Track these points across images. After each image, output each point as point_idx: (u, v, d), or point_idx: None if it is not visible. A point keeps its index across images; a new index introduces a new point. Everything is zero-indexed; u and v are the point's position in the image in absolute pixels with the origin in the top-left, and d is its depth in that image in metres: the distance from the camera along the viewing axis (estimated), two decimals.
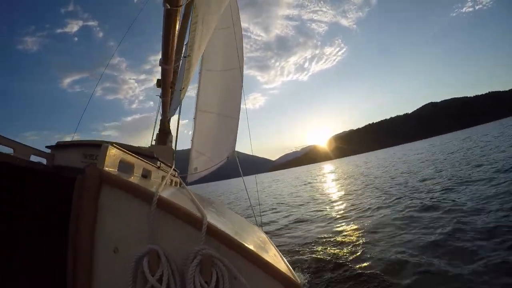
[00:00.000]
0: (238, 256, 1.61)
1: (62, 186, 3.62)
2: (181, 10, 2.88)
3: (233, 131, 9.59)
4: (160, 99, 5.60)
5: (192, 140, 9.59)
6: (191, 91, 10.48)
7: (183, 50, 5.25)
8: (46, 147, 3.97)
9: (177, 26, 2.93)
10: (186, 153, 9.75)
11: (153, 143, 7.31)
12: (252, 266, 1.62)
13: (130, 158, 2.04)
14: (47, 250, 3.42)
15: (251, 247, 1.69)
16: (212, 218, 1.69)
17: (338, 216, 11.48)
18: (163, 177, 3.51)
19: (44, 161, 3.74)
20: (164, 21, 2.85)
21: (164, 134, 7.13)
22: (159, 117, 7.49)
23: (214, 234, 1.60)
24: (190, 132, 9.53)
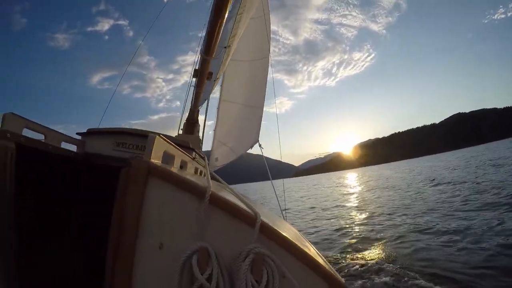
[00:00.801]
0: (287, 254, 1.56)
1: (103, 176, 3.74)
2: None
3: (257, 122, 9.51)
4: (194, 89, 5.62)
5: (214, 130, 9.58)
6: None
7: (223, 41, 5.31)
8: (77, 133, 3.96)
9: (225, 17, 2.93)
10: (208, 153, 9.71)
11: (180, 132, 7.37)
12: (300, 264, 1.58)
13: (172, 149, 2.04)
14: (87, 243, 3.50)
15: (297, 244, 1.63)
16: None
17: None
18: (196, 168, 3.55)
19: (74, 148, 3.74)
20: (213, 11, 2.84)
21: (191, 123, 7.17)
22: (187, 109, 7.57)
23: (266, 231, 1.54)
24: (210, 132, 9.52)
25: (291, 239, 1.61)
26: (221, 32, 3.20)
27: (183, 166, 2.73)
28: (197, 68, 4.77)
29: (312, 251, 2.03)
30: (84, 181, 3.64)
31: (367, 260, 7.39)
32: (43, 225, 3.02)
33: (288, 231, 2.24)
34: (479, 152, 63.09)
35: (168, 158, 2.02)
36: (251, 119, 9.84)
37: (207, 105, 8.43)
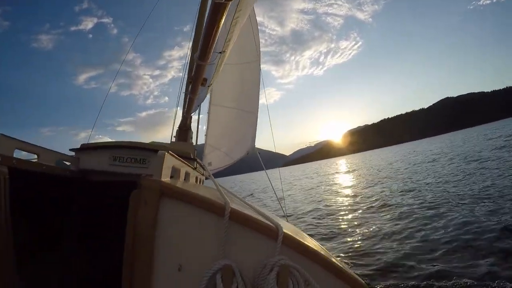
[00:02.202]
0: (308, 261, 1.55)
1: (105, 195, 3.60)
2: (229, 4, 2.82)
3: (252, 126, 9.38)
4: (188, 96, 5.51)
5: (205, 135, 9.52)
6: None
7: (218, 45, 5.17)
8: (70, 149, 3.85)
9: (222, 21, 2.86)
10: (201, 147, 9.68)
11: (173, 139, 7.28)
12: (323, 271, 1.57)
13: (178, 163, 2.02)
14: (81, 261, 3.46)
15: (318, 250, 1.63)
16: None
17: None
18: (196, 177, 3.46)
19: (70, 166, 3.66)
20: (209, 15, 2.76)
21: (184, 130, 7.07)
22: (177, 114, 7.46)
23: (288, 242, 1.52)
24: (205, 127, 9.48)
25: (311, 246, 1.62)
26: (217, 37, 3.14)
27: (186, 177, 2.69)
28: (187, 73, 4.61)
29: (328, 255, 2.00)
30: (80, 199, 3.60)
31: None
32: (38, 245, 3.00)
33: (302, 236, 2.20)
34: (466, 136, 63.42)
35: (174, 171, 1.99)
36: (245, 124, 9.79)
37: (199, 112, 8.29)
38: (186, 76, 7.21)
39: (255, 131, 9.36)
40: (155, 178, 1.51)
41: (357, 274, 1.84)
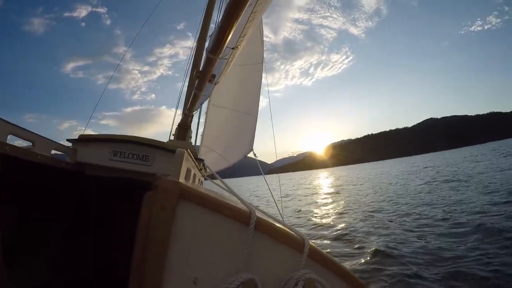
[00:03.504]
0: (333, 275, 1.47)
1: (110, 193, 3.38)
2: None
3: (251, 129, 9.30)
4: (193, 92, 5.32)
5: (202, 136, 9.34)
6: None
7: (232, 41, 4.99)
8: (68, 140, 3.64)
9: (242, 13, 2.70)
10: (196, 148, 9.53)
11: (172, 137, 7.07)
12: (346, 284, 1.49)
13: (192, 164, 1.93)
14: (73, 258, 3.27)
15: (337, 261, 1.55)
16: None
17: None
18: (199, 180, 3.32)
19: (64, 157, 3.50)
20: (230, 6, 2.61)
21: (184, 129, 6.86)
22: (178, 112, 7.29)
23: (313, 254, 1.43)
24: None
25: (334, 259, 1.56)
26: (233, 31, 2.98)
27: (193, 178, 2.55)
28: (198, 69, 4.44)
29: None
30: (75, 193, 3.43)
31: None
32: (30, 237, 2.85)
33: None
34: (446, 158, 65.03)
35: (186, 172, 1.88)
36: (243, 126, 9.62)
37: (200, 111, 8.08)
38: (189, 72, 7.02)
39: (254, 134, 9.22)
40: (173, 178, 1.33)
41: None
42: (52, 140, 3.12)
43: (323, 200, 21.86)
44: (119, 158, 3.60)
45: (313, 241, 8.31)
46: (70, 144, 3.61)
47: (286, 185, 50.44)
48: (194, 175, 2.55)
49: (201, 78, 4.12)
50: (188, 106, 5.80)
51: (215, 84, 4.82)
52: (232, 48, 3.59)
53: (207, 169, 4.07)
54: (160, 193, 1.24)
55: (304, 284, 1.33)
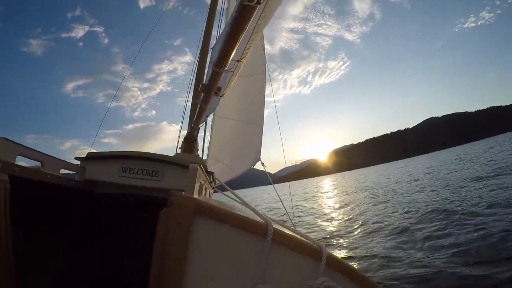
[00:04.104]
0: (351, 283, 1.46)
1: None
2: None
3: (257, 139, 9.26)
4: (199, 106, 5.35)
5: (208, 147, 9.36)
6: None
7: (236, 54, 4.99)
8: (76, 158, 3.64)
9: (248, 26, 2.72)
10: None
11: (178, 151, 7.08)
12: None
13: (204, 178, 1.82)
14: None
15: (356, 269, 1.54)
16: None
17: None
18: (209, 192, 3.33)
19: (74, 175, 3.46)
20: (234, 19, 2.62)
21: (191, 142, 6.88)
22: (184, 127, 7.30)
23: (330, 262, 1.42)
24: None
25: (352, 267, 1.54)
26: (238, 44, 3.01)
27: (205, 192, 2.56)
28: (193, 82, 4.44)
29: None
30: (85, 212, 3.43)
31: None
32: (39, 254, 2.84)
33: None
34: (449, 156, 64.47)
35: (199, 187, 1.86)
36: (249, 136, 9.61)
37: (206, 123, 8.12)
38: (193, 85, 7.08)
39: (261, 143, 9.22)
40: (188, 194, 1.37)
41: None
42: (61, 159, 3.12)
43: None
44: (129, 174, 3.61)
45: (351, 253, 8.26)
46: (78, 162, 3.61)
47: (295, 194, 49.88)
48: (205, 188, 2.58)
49: (206, 92, 4.14)
50: (195, 119, 5.82)
51: (221, 96, 4.84)
52: (237, 61, 3.61)
53: (217, 181, 4.07)
54: (176, 210, 1.26)
55: None
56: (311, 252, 1.40)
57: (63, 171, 3.18)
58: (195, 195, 1.45)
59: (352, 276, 1.46)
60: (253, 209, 1.64)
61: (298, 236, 1.50)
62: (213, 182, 4.10)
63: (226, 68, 3.46)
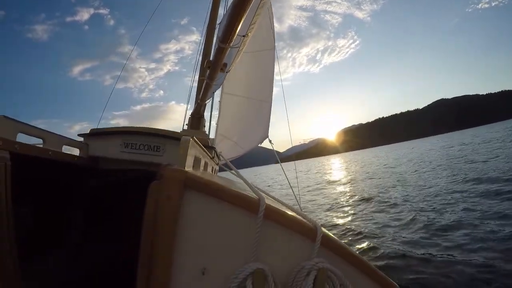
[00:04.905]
0: (345, 262, 1.41)
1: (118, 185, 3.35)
2: None
3: (265, 116, 9.20)
4: (205, 82, 5.29)
5: (216, 124, 9.34)
6: None
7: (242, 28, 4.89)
8: (79, 135, 3.65)
9: (252, 1, 2.63)
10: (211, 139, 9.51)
11: (185, 127, 7.07)
12: (359, 273, 1.43)
13: (200, 152, 1.87)
14: (92, 251, 3.27)
15: (352, 251, 1.48)
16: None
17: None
18: (212, 167, 3.30)
19: (77, 151, 3.48)
20: None
21: (197, 118, 6.86)
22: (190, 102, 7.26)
23: (326, 242, 1.37)
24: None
25: (346, 246, 1.49)
26: (244, 18, 2.93)
27: (204, 168, 2.51)
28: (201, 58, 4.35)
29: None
30: (89, 188, 3.46)
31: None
32: (45, 234, 2.87)
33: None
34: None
35: (195, 160, 1.82)
36: (258, 113, 9.51)
37: (213, 99, 8.08)
38: (199, 61, 7.03)
39: (269, 120, 9.17)
40: (178, 167, 1.29)
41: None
42: (63, 136, 3.11)
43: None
44: (131, 149, 3.61)
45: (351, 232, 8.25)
46: (81, 139, 3.61)
47: (305, 172, 49.41)
48: (206, 163, 2.52)
49: (212, 68, 4.07)
50: (201, 95, 5.77)
51: (227, 72, 4.76)
52: (243, 36, 3.53)
53: (221, 158, 4.02)
54: (165, 183, 1.21)
55: (317, 274, 1.28)
56: (306, 231, 1.36)
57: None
58: (188, 169, 1.38)
59: (349, 258, 1.42)
60: (250, 185, 1.60)
61: (293, 214, 1.44)
62: (216, 158, 4.04)
63: (231, 44, 3.38)
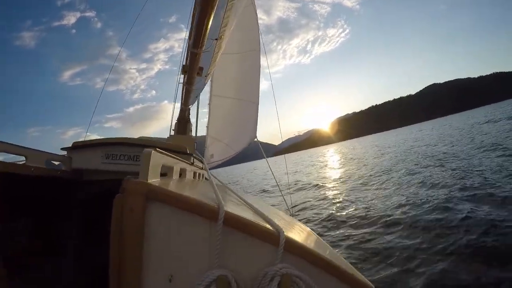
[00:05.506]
0: (313, 267, 1.41)
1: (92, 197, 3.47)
2: None
3: (253, 116, 9.35)
4: (184, 87, 5.34)
5: (207, 127, 9.39)
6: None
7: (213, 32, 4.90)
8: (62, 149, 3.74)
9: (215, 4, 2.71)
10: (202, 139, 9.55)
11: (172, 132, 7.13)
12: (329, 277, 1.43)
13: (170, 160, 1.86)
14: (85, 262, 3.37)
15: (320, 252, 1.49)
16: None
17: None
18: (194, 173, 3.40)
19: (61, 165, 3.59)
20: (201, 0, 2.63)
21: (183, 123, 6.92)
22: (176, 106, 7.30)
23: (290, 247, 1.38)
24: (205, 120, 9.32)
25: (316, 249, 1.48)
26: (211, 22, 3.00)
27: (182, 173, 2.56)
28: (184, 64, 4.44)
29: (333, 255, 1.86)
30: (75, 199, 3.53)
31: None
32: (36, 246, 2.94)
33: (306, 236, 2.11)
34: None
35: (166, 169, 1.87)
36: (246, 114, 9.61)
37: (198, 103, 8.16)
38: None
39: (257, 120, 9.32)
40: (141, 179, 1.34)
41: (366, 278, 1.71)
42: (45, 152, 3.19)
43: None
44: (112, 160, 3.72)
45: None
46: (65, 153, 3.73)
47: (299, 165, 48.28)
48: (183, 170, 2.57)
49: (189, 73, 4.14)
50: (183, 100, 5.82)
51: (205, 76, 4.86)
52: (215, 39, 3.63)
53: (203, 162, 4.08)
54: (128, 196, 1.25)
55: (282, 279, 1.29)
56: (268, 237, 1.36)
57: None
58: (154, 179, 1.41)
59: (316, 261, 1.42)
60: (216, 191, 1.58)
61: (255, 220, 1.45)
62: (198, 163, 4.18)
63: (203, 48, 3.47)
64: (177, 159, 2.09)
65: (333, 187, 16.79)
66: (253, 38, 8.85)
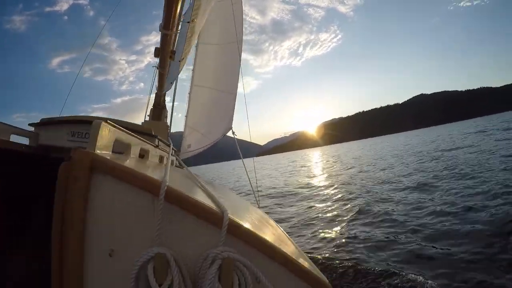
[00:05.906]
0: (260, 255, 1.37)
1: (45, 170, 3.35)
2: None
3: (230, 107, 9.43)
4: (157, 70, 5.24)
5: (186, 116, 9.32)
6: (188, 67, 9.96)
7: (185, 15, 4.83)
8: (29, 124, 3.71)
9: None
10: (179, 135, 9.51)
11: (147, 118, 7.02)
12: (277, 266, 1.39)
13: (126, 137, 1.78)
14: (28, 251, 3.22)
15: (273, 242, 1.46)
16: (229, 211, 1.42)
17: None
18: (160, 157, 3.29)
19: (26, 140, 3.49)
20: None
21: (159, 109, 6.82)
22: (154, 91, 7.24)
23: (235, 231, 1.34)
24: (180, 115, 9.24)
25: (265, 236, 1.46)
26: (180, 3, 2.90)
27: (144, 155, 2.52)
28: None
29: (291, 247, 1.90)
30: (38, 176, 3.32)
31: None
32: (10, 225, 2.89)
33: (263, 225, 2.11)
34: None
35: (121, 147, 1.81)
36: (223, 105, 9.56)
37: (175, 89, 8.05)
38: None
39: (233, 111, 9.36)
40: (88, 150, 1.29)
41: (321, 271, 1.65)
42: (12, 125, 3.12)
43: None
44: (77, 138, 3.65)
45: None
46: (32, 129, 3.66)
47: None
48: (145, 151, 2.50)
49: (161, 56, 4.05)
50: (158, 85, 5.73)
51: (179, 61, 4.72)
52: (188, 22, 3.50)
53: (169, 145, 3.98)
54: (73, 164, 1.20)
55: (223, 263, 1.25)
56: (211, 217, 1.33)
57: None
58: (104, 152, 1.38)
59: (259, 246, 1.39)
60: (166, 168, 1.57)
61: (200, 198, 1.41)
62: (166, 148, 4.07)
63: (175, 30, 3.36)
64: (136, 137, 2.03)
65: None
66: (236, 29, 8.85)
